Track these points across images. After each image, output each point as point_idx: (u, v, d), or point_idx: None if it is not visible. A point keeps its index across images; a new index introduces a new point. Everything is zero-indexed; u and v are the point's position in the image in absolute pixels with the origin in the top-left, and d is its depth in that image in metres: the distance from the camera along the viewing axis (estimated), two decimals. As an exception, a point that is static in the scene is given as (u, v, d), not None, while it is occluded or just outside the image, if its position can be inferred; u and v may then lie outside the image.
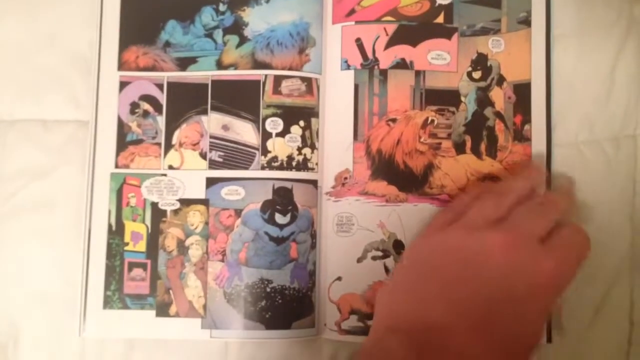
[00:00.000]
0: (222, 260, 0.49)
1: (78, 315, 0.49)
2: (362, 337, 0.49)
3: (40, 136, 0.51)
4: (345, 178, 0.50)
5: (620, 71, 0.53)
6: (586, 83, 0.53)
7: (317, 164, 0.50)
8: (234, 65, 0.51)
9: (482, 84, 0.52)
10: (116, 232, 0.49)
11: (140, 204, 0.50)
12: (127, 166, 0.50)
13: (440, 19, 0.52)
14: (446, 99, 0.51)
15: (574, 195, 0.49)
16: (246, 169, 0.50)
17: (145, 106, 0.51)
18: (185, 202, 0.50)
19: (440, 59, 0.51)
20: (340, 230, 0.50)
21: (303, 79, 0.50)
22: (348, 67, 0.51)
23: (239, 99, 0.50)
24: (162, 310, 0.49)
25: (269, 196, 0.49)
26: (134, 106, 0.51)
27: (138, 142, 0.50)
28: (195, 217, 0.50)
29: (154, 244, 0.50)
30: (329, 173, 0.51)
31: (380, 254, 0.50)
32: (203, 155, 0.51)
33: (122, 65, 0.51)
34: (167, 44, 0.51)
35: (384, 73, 0.51)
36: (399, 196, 0.50)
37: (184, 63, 0.51)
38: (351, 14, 0.51)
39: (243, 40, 0.51)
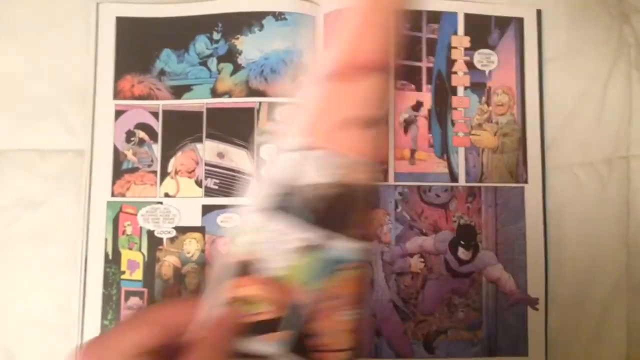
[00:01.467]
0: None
1: (74, 344, 0.49)
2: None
3: (37, 165, 0.51)
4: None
5: (611, 92, 0.53)
6: (578, 105, 0.53)
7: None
8: (229, 93, 0.51)
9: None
10: (113, 261, 0.49)
11: (136, 232, 0.50)
12: (123, 194, 0.50)
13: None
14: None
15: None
16: (241, 196, 0.50)
17: (141, 134, 0.51)
18: (182, 230, 0.50)
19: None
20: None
21: (297, 105, 0.51)
22: (341, 93, 0.51)
23: (233, 126, 0.51)
24: (159, 339, 0.49)
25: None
26: (129, 134, 0.51)
27: (134, 170, 0.51)
28: (191, 245, 0.50)
29: (151, 273, 0.50)
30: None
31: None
32: (198, 183, 0.51)
33: (117, 94, 0.51)
34: (162, 73, 0.52)
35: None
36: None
37: (178, 91, 0.51)
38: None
39: (237, 68, 0.52)
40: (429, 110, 0.52)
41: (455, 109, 0.52)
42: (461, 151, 0.52)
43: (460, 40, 0.52)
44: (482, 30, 0.53)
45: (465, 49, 0.52)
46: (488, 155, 0.52)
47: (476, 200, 0.51)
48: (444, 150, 0.52)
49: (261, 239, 0.38)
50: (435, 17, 0.52)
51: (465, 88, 0.52)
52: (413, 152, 0.51)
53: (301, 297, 0.38)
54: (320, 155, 0.34)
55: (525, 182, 0.52)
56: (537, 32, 0.53)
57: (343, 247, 0.36)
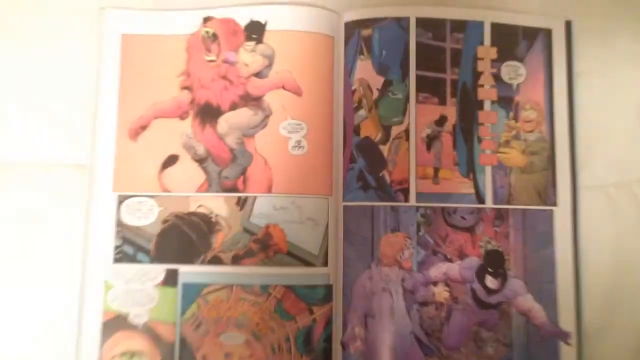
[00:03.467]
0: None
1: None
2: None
3: (37, 179, 0.48)
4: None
5: (647, 107, 0.50)
6: (612, 122, 0.50)
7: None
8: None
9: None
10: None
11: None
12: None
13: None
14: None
15: None
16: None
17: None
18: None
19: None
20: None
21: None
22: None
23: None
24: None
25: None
26: (133, 149, 0.47)
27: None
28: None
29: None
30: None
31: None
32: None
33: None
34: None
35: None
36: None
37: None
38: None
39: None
40: (454, 126, 0.48)
41: (482, 124, 0.49)
42: (488, 170, 0.48)
43: (487, 51, 0.49)
44: (510, 41, 0.49)
45: (492, 60, 0.49)
46: (516, 174, 0.48)
47: (504, 223, 0.47)
48: (469, 169, 0.48)
49: (119, 292, 0.44)
50: (460, 26, 0.49)
51: (492, 102, 0.49)
52: (436, 170, 0.48)
53: (177, 332, 0.44)
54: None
55: (555, 204, 0.48)
56: (567, 44, 0.50)
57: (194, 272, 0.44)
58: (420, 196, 0.47)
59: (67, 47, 0.50)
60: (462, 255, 0.47)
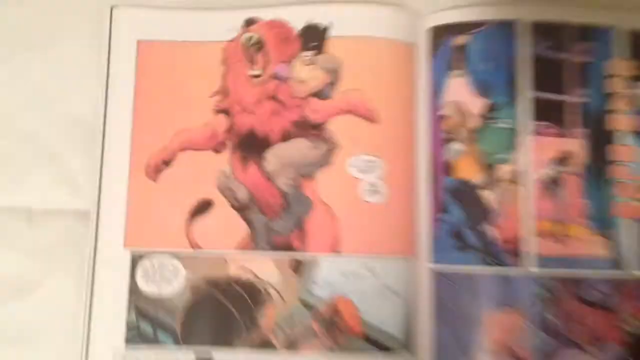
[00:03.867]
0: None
1: None
2: None
3: (22, 232, 0.39)
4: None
5: None
6: None
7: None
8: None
9: None
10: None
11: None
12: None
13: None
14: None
15: None
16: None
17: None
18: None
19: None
20: None
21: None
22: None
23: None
24: None
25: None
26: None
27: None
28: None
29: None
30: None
31: None
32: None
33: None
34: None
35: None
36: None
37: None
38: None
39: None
40: (583, 165, 0.37)
41: (619, 163, 0.37)
42: (629, 225, 0.36)
43: (621, 66, 0.38)
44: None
45: (629, 78, 0.38)
46: (668, 230, 0.36)
47: (654, 297, 0.36)
48: (605, 224, 0.36)
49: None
50: (586, 33, 0.38)
51: (633, 133, 0.37)
52: (562, 225, 0.36)
53: None
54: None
55: None
56: None
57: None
58: (541, 261, 0.36)
59: (65, 58, 0.41)
60: (597, 342, 0.35)
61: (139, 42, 0.40)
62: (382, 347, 0.35)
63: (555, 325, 0.35)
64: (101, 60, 0.40)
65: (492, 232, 0.36)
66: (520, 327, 0.35)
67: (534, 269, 0.36)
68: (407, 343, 0.35)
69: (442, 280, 0.36)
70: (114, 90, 0.39)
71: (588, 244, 0.36)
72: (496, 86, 0.38)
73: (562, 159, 0.37)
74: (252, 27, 0.39)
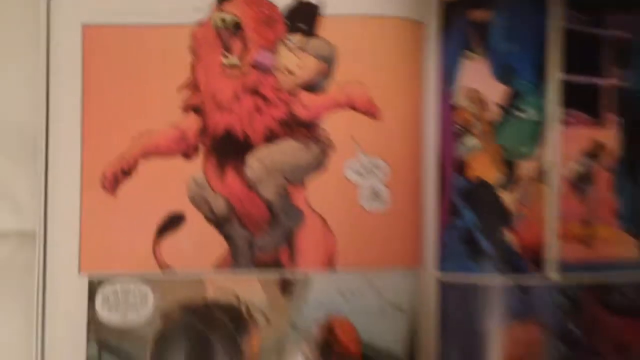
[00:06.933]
0: None
1: None
2: None
3: None
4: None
5: None
6: None
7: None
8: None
9: None
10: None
11: None
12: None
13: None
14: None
15: None
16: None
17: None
18: None
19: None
20: None
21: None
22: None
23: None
24: None
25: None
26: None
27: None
28: None
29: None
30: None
31: None
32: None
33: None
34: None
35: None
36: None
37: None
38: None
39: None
40: (616, 158, 0.33)
41: (654, 155, 0.33)
42: (664, 225, 0.34)
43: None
44: None
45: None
46: None
47: (688, 303, 0.33)
48: (637, 224, 0.33)
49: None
50: (628, 4, 0.33)
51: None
52: (590, 226, 0.33)
53: None
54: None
55: None
56: None
57: None
58: (564, 267, 0.33)
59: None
60: (624, 352, 0.33)
61: (84, 27, 0.34)
62: (382, 367, 0.32)
63: (578, 336, 0.33)
64: (39, 52, 0.33)
65: (510, 237, 0.33)
66: (538, 340, 0.33)
67: (556, 276, 0.32)
68: (409, 360, 0.33)
69: (450, 292, 0.33)
70: (57, 87, 0.34)
71: (618, 246, 0.33)
72: (521, 70, 0.33)
73: (594, 152, 0.33)
74: (226, 6, 0.33)
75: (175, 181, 0.33)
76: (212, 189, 0.33)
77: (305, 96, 0.34)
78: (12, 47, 0.35)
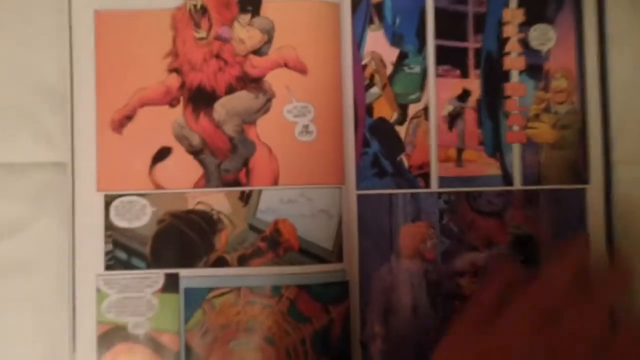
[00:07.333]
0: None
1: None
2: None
3: (10, 183, 0.43)
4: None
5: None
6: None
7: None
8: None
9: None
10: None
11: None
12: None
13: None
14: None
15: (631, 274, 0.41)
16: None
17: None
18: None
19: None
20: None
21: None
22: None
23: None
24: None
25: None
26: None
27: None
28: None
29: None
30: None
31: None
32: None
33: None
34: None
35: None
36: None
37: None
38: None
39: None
40: (478, 101, 0.43)
41: (509, 97, 0.44)
42: (516, 148, 0.44)
43: (513, 14, 0.44)
44: (538, 0, 0.44)
45: (520, 24, 0.44)
46: (546, 152, 0.44)
47: (535, 206, 0.43)
48: (496, 148, 0.43)
49: (114, 301, 0.42)
50: None
51: (520, 72, 0.44)
52: (460, 151, 0.43)
53: (182, 341, 0.42)
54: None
55: (586, 182, 0.44)
56: (597, 2, 0.44)
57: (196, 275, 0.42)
58: (442, 181, 0.43)
59: (32, 29, 0.44)
60: (489, 243, 0.43)
61: (96, 12, 0.43)
62: (317, 258, 0.42)
63: (455, 231, 0.43)
64: (64, 32, 0.43)
65: (405, 160, 0.43)
66: (428, 235, 0.43)
67: (438, 189, 0.43)
68: (337, 254, 0.42)
69: (365, 202, 0.43)
70: (78, 57, 0.42)
71: (482, 166, 0.43)
72: (407, 37, 0.43)
73: (462, 97, 0.44)
74: (196, -5, 0.43)
75: (163, 124, 0.42)
76: (190, 129, 0.42)
77: (254, 59, 0.43)
78: (47, 28, 0.43)
